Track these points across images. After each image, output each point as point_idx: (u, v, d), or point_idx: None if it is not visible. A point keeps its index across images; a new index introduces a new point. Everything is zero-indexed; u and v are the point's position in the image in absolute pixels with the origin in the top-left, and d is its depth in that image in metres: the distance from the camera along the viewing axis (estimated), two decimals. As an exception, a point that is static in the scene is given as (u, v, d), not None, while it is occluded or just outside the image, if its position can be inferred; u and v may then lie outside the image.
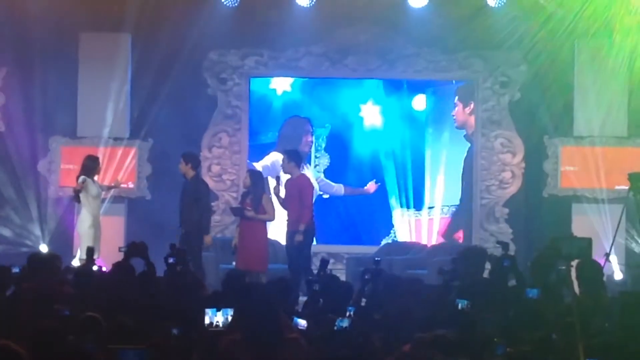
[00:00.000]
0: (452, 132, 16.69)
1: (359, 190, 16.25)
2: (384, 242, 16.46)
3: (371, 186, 16.35)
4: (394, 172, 16.27)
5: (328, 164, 16.46)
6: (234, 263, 15.04)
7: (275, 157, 16.20)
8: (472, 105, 16.55)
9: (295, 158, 13.15)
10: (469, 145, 16.44)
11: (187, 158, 13.13)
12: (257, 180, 13.20)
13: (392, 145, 16.46)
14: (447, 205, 16.41)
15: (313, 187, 13.21)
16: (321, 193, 16.39)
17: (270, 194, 13.43)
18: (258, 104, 16.46)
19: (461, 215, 16.50)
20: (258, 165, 16.18)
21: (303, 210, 12.93)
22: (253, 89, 16.64)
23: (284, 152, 13.72)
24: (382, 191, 16.10)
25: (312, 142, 16.36)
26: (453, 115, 16.76)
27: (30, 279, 8.78)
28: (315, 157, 16.59)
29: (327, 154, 16.55)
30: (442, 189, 16.37)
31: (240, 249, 13.07)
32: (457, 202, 16.14)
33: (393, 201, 16.01)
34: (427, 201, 16.40)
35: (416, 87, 16.71)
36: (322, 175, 16.43)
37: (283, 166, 13.29)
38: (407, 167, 16.31)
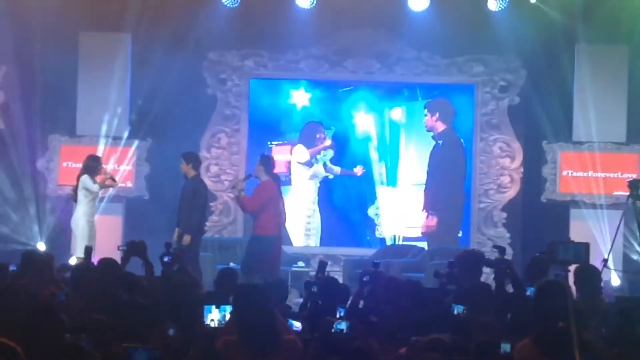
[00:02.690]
0: (420, 134, 17.16)
1: (349, 172, 17.11)
2: (370, 210, 16.97)
3: (358, 170, 17.10)
4: (378, 160, 17.18)
5: (332, 155, 17.11)
6: (231, 263, 15.04)
7: (300, 149, 17.19)
8: (437, 115, 17.01)
9: (266, 163, 13.02)
10: (435, 142, 17.11)
11: (188, 158, 13.09)
12: (265, 162, 13.04)
13: (378, 143, 17.19)
14: (417, 184, 17.19)
15: (271, 196, 12.84)
16: (327, 174, 17.15)
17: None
18: (285, 113, 17.19)
19: (431, 197, 17.02)
20: (283, 158, 16.96)
21: (251, 212, 12.91)
22: (280, 102, 17.21)
23: (260, 155, 13.64)
24: (369, 174, 17.13)
25: (324, 138, 17.10)
26: (424, 122, 17.08)
27: (23, 277, 8.77)
28: (324, 150, 17.16)
29: (333, 149, 17.14)
30: (411, 171, 17.20)
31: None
32: (423, 182, 17.16)
33: (377, 180, 17.23)
34: (399, 180, 17.21)
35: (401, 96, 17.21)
36: (328, 162, 17.13)
37: (255, 167, 13.16)
38: (386, 156, 17.19)
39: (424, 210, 17.04)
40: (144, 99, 16.25)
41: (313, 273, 16.03)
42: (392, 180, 17.15)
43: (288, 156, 17.17)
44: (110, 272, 8.65)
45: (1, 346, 5.25)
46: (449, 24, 15.93)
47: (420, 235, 16.98)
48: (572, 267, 7.52)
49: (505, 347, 6.28)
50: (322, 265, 9.67)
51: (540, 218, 16.01)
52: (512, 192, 16.72)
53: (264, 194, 12.76)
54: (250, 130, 17.05)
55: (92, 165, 13.44)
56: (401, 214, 17.14)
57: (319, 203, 17.10)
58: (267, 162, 13.10)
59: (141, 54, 16.17)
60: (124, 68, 16.26)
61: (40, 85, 16.13)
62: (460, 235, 16.92)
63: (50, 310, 6.42)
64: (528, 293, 8.04)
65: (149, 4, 15.74)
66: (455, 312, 7.60)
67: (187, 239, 12.61)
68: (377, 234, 17.12)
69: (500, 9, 15.88)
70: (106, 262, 8.98)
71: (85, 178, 13.25)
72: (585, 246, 6.23)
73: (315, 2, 16.03)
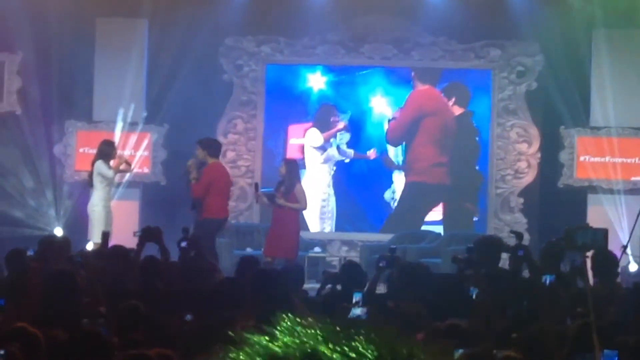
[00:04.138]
0: None
1: (362, 155, 17.07)
2: (386, 194, 16.97)
3: (371, 153, 17.04)
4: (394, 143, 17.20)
5: (349, 138, 17.06)
6: (248, 249, 15.08)
7: (313, 132, 17.08)
8: (454, 99, 16.90)
9: (209, 147, 12.98)
10: None
11: (204, 144, 13.06)
12: (292, 169, 13.20)
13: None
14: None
15: (220, 179, 12.86)
16: (343, 158, 17.11)
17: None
18: (300, 96, 17.13)
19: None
20: (299, 141, 17.13)
21: (196, 197, 12.80)
22: (296, 86, 17.16)
23: (200, 140, 13.24)
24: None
25: (338, 121, 17.02)
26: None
27: (40, 261, 8.81)
28: (340, 134, 17.08)
29: (349, 132, 17.02)
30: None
31: (270, 235, 13.09)
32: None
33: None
34: None
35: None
36: (343, 145, 17.09)
37: (197, 152, 13.01)
38: (403, 140, 17.18)
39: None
40: (161, 85, 16.25)
41: (330, 259, 16.14)
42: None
43: (302, 140, 17.19)
44: (121, 260, 8.68)
45: (22, 331, 5.28)
46: (466, 9, 15.89)
47: (435, 219, 16.95)
48: (590, 253, 7.51)
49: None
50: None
51: (558, 204, 15.95)
52: (529, 177, 16.68)
53: (207, 178, 12.75)
54: (266, 116, 17.05)
55: (106, 151, 13.44)
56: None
57: (334, 187, 17.08)
58: (210, 145, 13.04)
59: (158, 39, 16.18)
60: (140, 54, 16.27)
61: (57, 71, 16.16)
62: (476, 219, 16.87)
63: (66, 295, 6.45)
64: (543, 280, 8.02)
65: (166, -10, 15.75)
66: (474, 296, 7.59)
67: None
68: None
69: (517, -7, 15.84)
70: (115, 250, 9.03)
71: (99, 163, 13.26)
72: (604, 232, 6.20)
73: (331, -13, 16.02)
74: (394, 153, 17.07)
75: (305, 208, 13.53)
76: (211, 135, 14.69)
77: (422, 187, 16.92)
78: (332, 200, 17.12)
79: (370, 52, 16.93)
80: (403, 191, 16.97)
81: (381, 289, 9.15)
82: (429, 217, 17.00)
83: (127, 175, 15.09)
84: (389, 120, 17.02)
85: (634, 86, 15.89)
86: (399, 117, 16.99)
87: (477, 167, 16.93)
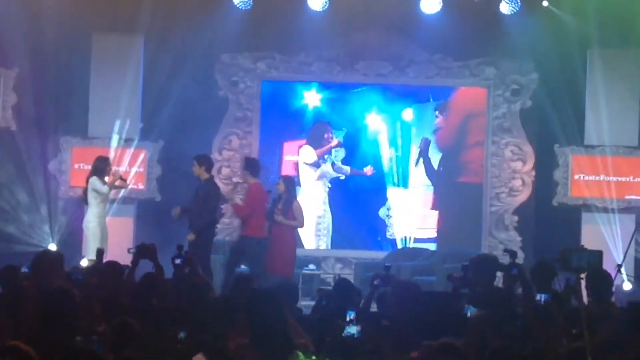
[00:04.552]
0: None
1: (359, 172, 17.09)
2: (381, 211, 16.97)
3: (368, 169, 17.11)
4: (389, 160, 17.18)
5: (344, 156, 17.15)
6: (242, 266, 15.05)
7: (306, 149, 17.17)
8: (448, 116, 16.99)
9: (251, 166, 13.30)
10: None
11: (201, 160, 13.11)
12: (290, 186, 13.38)
13: (388, 142, 17.24)
14: (427, 185, 17.24)
15: (261, 199, 13.25)
16: (338, 175, 17.17)
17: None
18: (296, 113, 17.23)
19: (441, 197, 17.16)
20: (294, 158, 17.19)
21: (242, 216, 13.25)
22: (292, 102, 17.26)
23: (244, 158, 14.09)
24: (379, 174, 17.16)
25: (332, 138, 17.08)
26: (435, 124, 17.08)
27: (34, 278, 8.77)
28: (335, 150, 17.13)
29: (343, 149, 17.09)
30: (422, 173, 17.24)
31: (268, 252, 13.12)
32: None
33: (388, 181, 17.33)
34: (410, 181, 17.23)
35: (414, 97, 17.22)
36: (337, 162, 17.17)
37: (240, 171, 13.43)
38: (397, 157, 17.21)
39: (433, 209, 17.04)
40: (156, 101, 16.25)
41: (324, 276, 16.12)
42: (403, 181, 17.13)
43: (296, 157, 17.20)
44: (113, 276, 8.67)
45: (15, 349, 5.26)
46: (461, 27, 15.91)
47: (430, 236, 16.97)
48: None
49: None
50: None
51: (552, 222, 15.97)
52: (523, 195, 16.70)
53: (251, 198, 13.02)
54: (261, 132, 17.06)
55: (101, 167, 13.46)
56: (412, 215, 17.13)
57: (329, 203, 17.09)
58: (250, 165, 13.29)
59: (153, 55, 16.19)
60: (136, 70, 16.26)
61: (52, 87, 16.16)
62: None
63: (61, 313, 6.43)
64: (538, 298, 8.01)
65: (162, 6, 15.75)
66: (469, 314, 7.57)
67: (190, 236, 12.67)
68: (387, 235, 17.11)
69: (512, 12, 15.88)
70: (109, 266, 9.01)
71: (94, 180, 13.28)
72: (599, 253, 6.22)
73: (327, 5, 16.04)
74: (389, 171, 17.08)
75: (302, 225, 13.61)
76: (206, 152, 14.70)
77: (479, 188, 16.94)
78: (328, 217, 17.13)
79: (365, 69, 16.96)
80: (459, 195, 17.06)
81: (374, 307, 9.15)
82: (424, 234, 17.04)
83: (123, 191, 15.07)
84: (434, 132, 17.07)
85: (628, 105, 15.93)
86: (445, 124, 17.02)
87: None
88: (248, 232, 13.09)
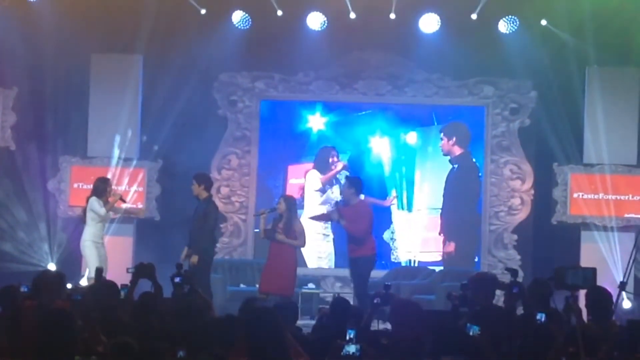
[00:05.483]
0: (435, 158, 17.22)
1: (377, 201, 16.81)
2: (385, 234, 16.91)
3: (388, 201, 17.16)
4: (393, 184, 17.18)
5: None
6: (241, 285, 15.02)
7: (313, 175, 17.13)
8: (454, 139, 16.99)
9: (356, 185, 13.27)
10: (452, 166, 17.12)
11: (200, 179, 13.11)
12: (291, 205, 13.32)
13: (393, 166, 17.21)
14: (431, 208, 17.15)
15: (371, 214, 13.29)
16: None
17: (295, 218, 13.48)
18: (300, 136, 17.20)
19: (447, 222, 17.06)
20: (299, 182, 17.17)
21: (361, 236, 13.08)
22: (295, 124, 17.26)
23: (346, 178, 14.25)
24: (382, 197, 17.15)
25: (337, 162, 17.02)
26: (440, 147, 17.07)
27: (35, 298, 8.76)
28: (339, 174, 17.04)
29: (348, 171, 16.87)
30: (427, 196, 17.18)
31: (267, 271, 13.10)
32: (438, 206, 17.14)
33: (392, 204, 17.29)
34: (415, 204, 17.20)
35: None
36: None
37: (343, 192, 13.56)
38: (402, 180, 17.22)
39: (441, 234, 17.01)
40: (155, 120, 16.27)
41: (323, 295, 16.09)
42: (407, 205, 17.12)
43: (302, 180, 17.16)
44: (109, 296, 8.65)
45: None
46: (460, 46, 15.95)
47: (435, 260, 16.90)
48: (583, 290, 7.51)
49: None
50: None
51: (551, 240, 15.96)
52: (522, 214, 16.70)
53: (367, 215, 13.14)
54: (261, 152, 17.05)
55: (101, 187, 13.48)
56: (416, 238, 17.11)
57: (332, 227, 16.93)
58: (354, 183, 13.29)
59: (152, 75, 16.22)
60: (135, 90, 16.28)
61: (51, 107, 16.19)
62: (476, 260, 16.85)
63: (60, 333, 6.42)
64: (538, 317, 8.00)
65: (160, 26, 15.76)
66: (471, 333, 7.55)
67: (194, 259, 12.62)
68: (392, 258, 17.05)
69: (510, 31, 15.92)
70: (106, 286, 8.99)
71: (93, 200, 13.31)
72: (593, 271, 6.24)
73: (325, 24, 16.08)
74: (393, 195, 17.07)
75: (303, 245, 13.57)
76: (205, 171, 14.69)
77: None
78: (331, 239, 17.05)
79: (364, 88, 16.98)
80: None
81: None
82: (428, 257, 17.01)
83: (123, 209, 15.06)
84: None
85: (626, 123, 15.95)
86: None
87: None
88: (366, 252, 13.08)
